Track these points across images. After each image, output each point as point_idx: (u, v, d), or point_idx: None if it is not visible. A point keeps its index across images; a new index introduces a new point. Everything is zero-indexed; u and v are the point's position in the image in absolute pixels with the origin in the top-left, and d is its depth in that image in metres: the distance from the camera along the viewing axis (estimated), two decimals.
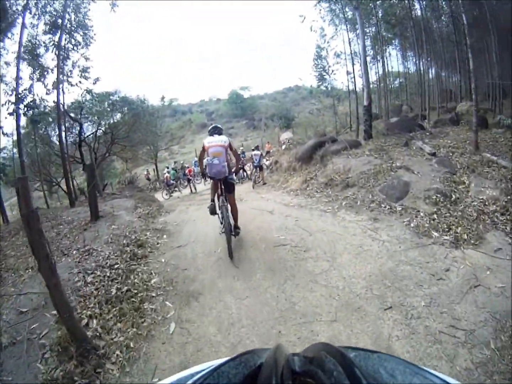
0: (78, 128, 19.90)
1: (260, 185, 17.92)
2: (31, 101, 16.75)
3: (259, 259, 6.63)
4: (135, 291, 5.84)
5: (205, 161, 6.91)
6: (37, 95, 17.58)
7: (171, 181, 24.36)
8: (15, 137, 17.68)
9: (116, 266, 6.71)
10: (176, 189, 24.98)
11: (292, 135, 38.79)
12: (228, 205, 6.85)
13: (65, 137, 18.44)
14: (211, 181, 6.97)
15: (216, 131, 6.92)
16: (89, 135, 21.24)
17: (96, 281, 6.11)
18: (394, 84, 34.97)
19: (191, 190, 23.84)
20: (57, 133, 18.40)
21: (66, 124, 19.69)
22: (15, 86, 16.16)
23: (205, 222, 9.47)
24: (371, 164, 10.95)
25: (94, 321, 4.97)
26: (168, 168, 26.86)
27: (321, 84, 34.02)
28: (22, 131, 18.60)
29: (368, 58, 27.46)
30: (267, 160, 22.91)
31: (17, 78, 16.16)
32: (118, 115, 23.60)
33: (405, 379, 0.63)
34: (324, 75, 32.61)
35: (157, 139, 32.22)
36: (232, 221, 6.86)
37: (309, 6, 32.30)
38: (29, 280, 6.60)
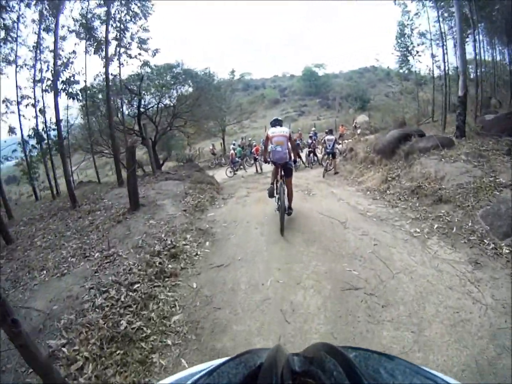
0: (137, 101, 18.86)
1: (331, 174, 16.23)
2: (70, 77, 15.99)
3: (321, 306, 4.93)
4: (149, 331, 4.56)
5: (269, 148, 7.89)
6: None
7: (236, 159, 23.02)
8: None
9: (136, 286, 5.56)
10: (242, 167, 23.69)
11: (368, 118, 36.53)
12: (285, 188, 7.69)
13: (121, 111, 17.87)
14: (273, 166, 7.97)
15: (277, 123, 8.04)
16: (148, 108, 20.08)
17: (107, 306, 5.02)
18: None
19: (256, 170, 22.04)
20: (116, 106, 17.69)
21: (125, 98, 19.03)
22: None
23: (261, 227, 8.43)
24: (470, 175, 8.87)
25: (90, 365, 3.93)
26: (234, 144, 25.40)
27: (403, 66, 30.07)
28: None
29: (451, 42, 24.20)
30: (339, 144, 21.19)
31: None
32: (183, 89, 22.23)
33: (405, 379, 0.62)
34: (408, 56, 28.82)
35: (224, 114, 30.86)
36: (287, 202, 7.78)
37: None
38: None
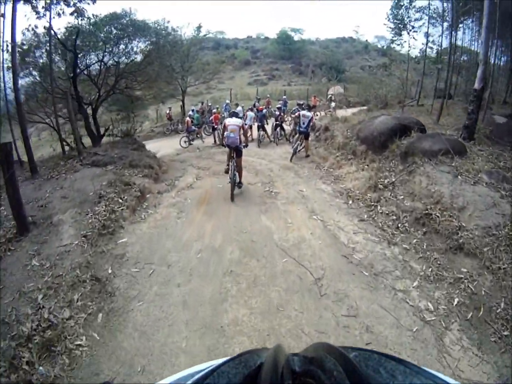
0: (73, 58, 14.60)
1: (302, 157, 13.10)
2: None
3: None
4: None
5: (225, 134, 9.16)
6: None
7: (193, 127, 19.37)
8: None
9: None
10: (199, 136, 20.07)
11: (343, 90, 33.45)
12: (236, 165, 9.08)
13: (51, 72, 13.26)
14: (228, 148, 9.29)
15: (234, 115, 9.62)
16: (87, 68, 15.72)
17: None
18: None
19: (215, 141, 18.80)
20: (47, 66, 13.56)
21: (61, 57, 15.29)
22: None
23: (188, 282, 5.49)
24: (499, 211, 6.13)
25: None
26: (192, 111, 21.50)
27: (395, 40, 25.88)
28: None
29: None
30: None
31: None
32: (132, 44, 16.84)
33: (405, 379, 0.60)
34: (402, 29, 24.82)
35: (181, 74, 26.22)
36: (237, 178, 9.28)
37: None
38: None
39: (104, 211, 7.60)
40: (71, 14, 13.39)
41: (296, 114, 13.77)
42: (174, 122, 24.74)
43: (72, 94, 14.70)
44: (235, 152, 9.06)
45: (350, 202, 8.36)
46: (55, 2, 12.82)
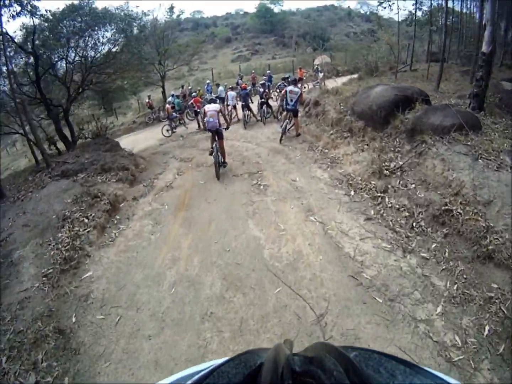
0: (33, 60, 13.04)
1: (292, 137, 11.70)
2: None
3: None
4: None
5: (205, 119, 9.46)
6: None
7: (174, 114, 17.75)
8: None
9: None
10: (181, 122, 18.45)
11: (330, 60, 31.83)
12: (218, 147, 9.31)
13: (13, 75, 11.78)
14: (210, 132, 9.62)
15: (212, 101, 9.90)
16: (47, 69, 13.70)
17: None
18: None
19: (198, 125, 17.17)
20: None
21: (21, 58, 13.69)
22: None
23: (160, 333, 4.33)
24: None
25: None
26: (172, 96, 19.80)
27: (383, 2, 23.26)
28: None
29: None
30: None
31: None
32: (98, 35, 15.07)
33: (405, 379, 0.58)
34: None
35: (163, 58, 24.30)
36: (221, 158, 9.44)
37: None
38: None
39: (68, 237, 6.48)
40: (18, 14, 11.87)
41: (283, 90, 12.18)
42: (155, 110, 22.94)
43: (38, 98, 13.44)
44: (217, 135, 9.44)
45: (352, 193, 7.06)
46: (7, 4, 11.40)
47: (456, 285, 4.27)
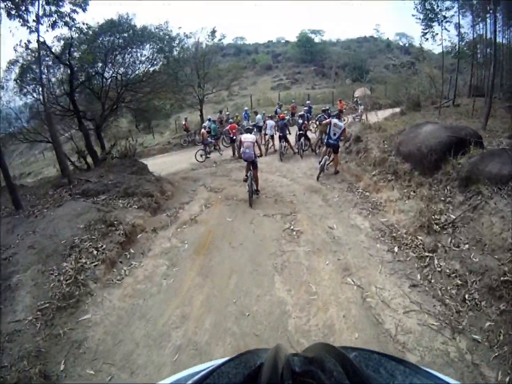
0: (69, 72, 12.86)
1: (331, 175, 10.96)
2: None
3: None
4: None
5: (241, 149, 9.60)
6: None
7: (209, 139, 17.28)
8: None
9: None
10: (217, 148, 17.97)
11: (370, 92, 31.10)
12: (253, 175, 9.44)
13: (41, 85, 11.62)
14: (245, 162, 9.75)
15: (248, 131, 10.26)
16: (82, 82, 13.74)
17: None
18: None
19: (233, 153, 16.58)
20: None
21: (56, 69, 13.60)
22: None
23: None
24: None
25: None
26: (209, 120, 19.24)
27: (427, 33, 21.77)
28: None
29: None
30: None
31: None
32: (138, 53, 15.05)
33: (405, 379, 0.60)
34: (433, 19, 20.75)
35: (202, 81, 23.77)
36: (254, 186, 9.54)
37: None
38: None
39: (72, 269, 5.84)
40: (54, 24, 11.50)
41: (327, 121, 11.34)
42: (191, 133, 22.58)
43: (71, 110, 13.26)
44: (252, 165, 9.53)
45: (396, 249, 6.20)
46: (47, 13, 11.13)
47: (508, 377, 3.49)
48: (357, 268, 5.76)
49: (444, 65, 20.91)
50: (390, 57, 56.86)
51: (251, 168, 9.51)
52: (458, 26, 20.02)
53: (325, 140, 10.96)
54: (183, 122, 22.70)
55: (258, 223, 7.86)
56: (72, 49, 12.38)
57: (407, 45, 62.41)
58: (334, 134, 10.51)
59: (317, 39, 61.07)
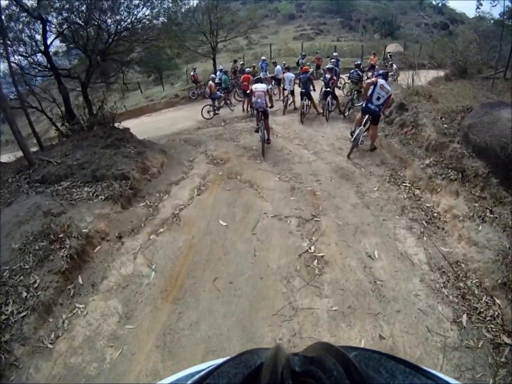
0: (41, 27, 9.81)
1: (365, 152, 8.32)
2: None
3: None
4: None
5: (253, 99, 9.03)
6: None
7: (218, 93, 14.20)
8: None
9: None
10: (228, 102, 14.99)
11: (403, 49, 27.57)
12: (264, 125, 8.85)
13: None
14: (256, 112, 9.25)
15: (259, 81, 9.67)
16: (61, 32, 10.41)
17: None
18: None
19: (244, 109, 13.94)
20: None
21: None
22: None
23: None
24: None
25: None
26: (220, 71, 16.16)
27: None
28: None
29: None
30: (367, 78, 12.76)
31: None
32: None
33: (405, 379, 0.56)
34: None
35: (215, 27, 19.81)
36: (266, 135, 8.93)
37: None
38: None
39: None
40: None
41: (371, 80, 8.35)
42: (200, 84, 19.09)
43: (48, 68, 10.52)
44: (263, 114, 8.99)
45: (464, 321, 3.71)
46: None
47: None
48: (410, 354, 3.36)
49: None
50: (422, 15, 52.45)
51: (262, 118, 9.00)
52: None
53: (363, 105, 8.13)
54: (192, 73, 19.20)
55: (264, 234, 5.23)
56: None
57: (440, 4, 57.79)
58: (378, 99, 7.72)
59: None
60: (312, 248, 4.83)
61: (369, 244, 4.92)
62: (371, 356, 0.63)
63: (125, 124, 10.10)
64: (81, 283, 4.46)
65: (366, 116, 7.97)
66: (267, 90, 9.25)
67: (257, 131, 9.36)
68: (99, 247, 5.10)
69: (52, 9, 9.72)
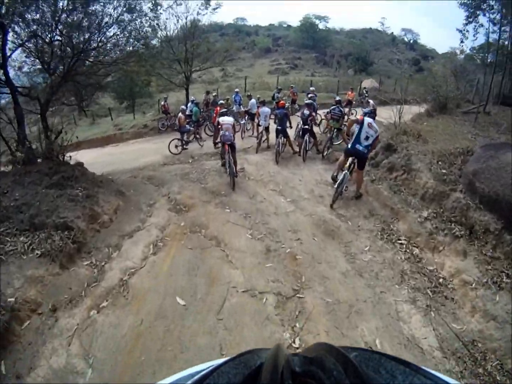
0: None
1: (350, 200, 7.22)
2: None
3: None
4: None
5: (221, 132, 8.83)
6: None
7: (187, 127, 13.08)
8: None
9: None
10: (197, 136, 13.73)
11: (378, 84, 27.23)
12: (232, 159, 8.52)
13: None
14: (222, 145, 8.99)
15: (226, 114, 9.54)
16: (20, 44, 8.92)
17: None
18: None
19: (214, 143, 12.45)
20: None
21: None
22: None
23: None
24: None
25: None
26: (192, 102, 14.98)
27: (471, 21, 17.32)
28: None
29: None
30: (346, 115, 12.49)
31: None
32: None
33: (405, 380, 0.55)
34: (479, 8, 16.84)
35: (190, 56, 18.75)
36: (234, 169, 8.41)
37: None
38: None
39: None
40: None
41: (358, 118, 7.44)
42: (170, 116, 17.87)
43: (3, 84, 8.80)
44: (230, 147, 8.74)
45: None
46: None
47: None
48: None
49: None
50: (394, 51, 53.66)
51: (229, 151, 8.74)
52: (501, 19, 16.11)
53: (348, 146, 7.10)
54: (162, 103, 18.07)
55: (233, 320, 3.93)
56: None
57: (411, 41, 60.33)
58: (367, 139, 6.78)
59: (321, 25, 56.92)
60: (297, 341, 3.61)
61: (368, 330, 3.79)
62: (371, 357, 0.60)
63: (89, 154, 9.67)
64: (4, 372, 3.27)
65: (350, 159, 6.93)
66: (233, 124, 9.21)
67: (223, 164, 9.23)
68: (28, 322, 3.83)
69: (17, 18, 8.53)
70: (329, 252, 5.32)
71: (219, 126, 9.07)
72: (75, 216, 5.76)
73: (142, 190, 8.36)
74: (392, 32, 62.29)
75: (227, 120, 8.99)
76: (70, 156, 8.14)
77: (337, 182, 6.84)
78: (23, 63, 9.78)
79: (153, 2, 12.98)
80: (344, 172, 6.81)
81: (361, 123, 6.83)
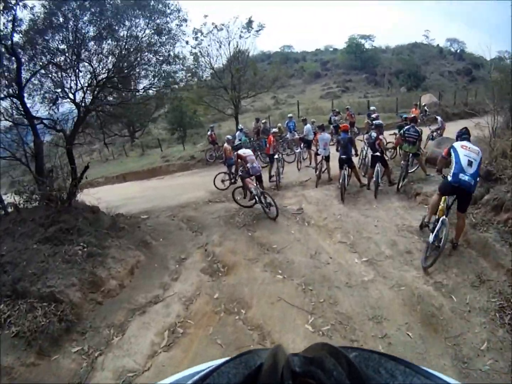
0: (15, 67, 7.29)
1: (448, 257, 4.76)
2: None
3: None
4: None
5: (248, 165, 8.01)
6: None
7: (233, 158, 10.56)
8: None
9: None
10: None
11: (437, 100, 24.60)
12: (262, 190, 8.02)
13: None
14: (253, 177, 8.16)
15: (240, 147, 9.18)
16: (35, 72, 7.76)
17: None
18: None
19: (269, 176, 10.55)
20: None
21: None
22: None
23: None
24: None
25: None
26: (240, 130, 13.37)
27: None
28: None
29: None
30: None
31: None
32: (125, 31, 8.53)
33: (405, 380, 0.54)
34: None
35: (238, 84, 17.13)
36: (269, 199, 7.64)
37: None
38: None
39: None
40: None
41: (443, 152, 5.27)
42: (218, 146, 15.88)
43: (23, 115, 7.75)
44: (259, 179, 8.15)
45: None
46: None
47: None
48: None
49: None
50: (444, 63, 50.12)
51: (257, 183, 8.13)
52: None
53: (449, 178, 4.73)
54: (209, 132, 16.12)
55: None
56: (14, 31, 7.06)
57: (458, 51, 55.84)
58: (470, 164, 4.57)
59: (367, 44, 53.97)
60: None
61: None
62: (371, 357, 0.59)
63: (132, 187, 9.34)
64: None
65: (447, 198, 4.75)
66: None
67: (253, 198, 8.02)
68: None
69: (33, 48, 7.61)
70: (433, 359, 3.27)
71: (240, 160, 8.38)
72: (67, 284, 4.23)
73: (174, 239, 6.76)
74: (438, 44, 58.11)
75: (248, 152, 8.45)
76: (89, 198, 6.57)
77: (433, 233, 4.67)
78: (46, 93, 8.47)
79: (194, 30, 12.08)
80: (442, 219, 4.67)
81: (452, 149, 4.80)
